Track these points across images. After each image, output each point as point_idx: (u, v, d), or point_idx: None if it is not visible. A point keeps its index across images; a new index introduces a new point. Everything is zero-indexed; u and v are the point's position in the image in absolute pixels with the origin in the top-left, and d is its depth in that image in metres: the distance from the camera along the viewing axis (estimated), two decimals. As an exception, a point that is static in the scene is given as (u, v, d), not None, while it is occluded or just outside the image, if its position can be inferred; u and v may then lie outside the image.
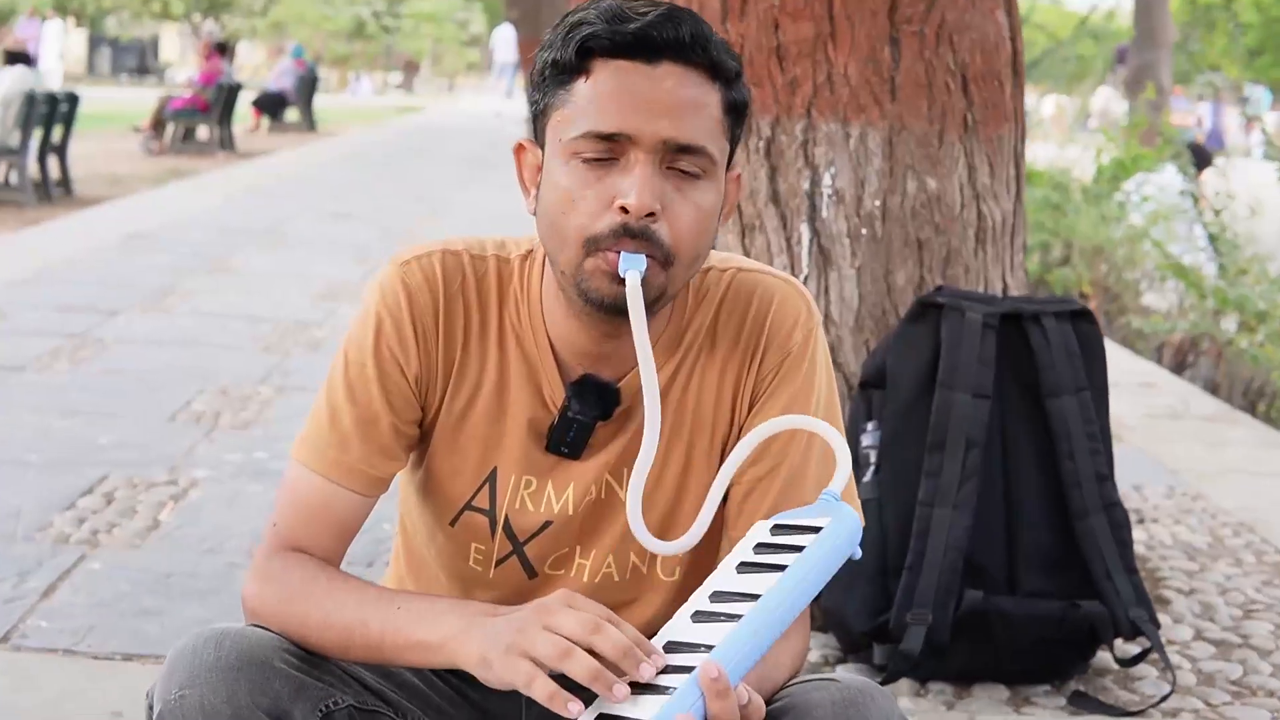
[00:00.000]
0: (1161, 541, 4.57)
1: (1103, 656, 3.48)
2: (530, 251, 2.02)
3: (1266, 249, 8.14)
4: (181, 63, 52.93)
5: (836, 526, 1.70)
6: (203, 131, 20.41)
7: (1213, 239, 7.54)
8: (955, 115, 3.68)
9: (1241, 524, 4.83)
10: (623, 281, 1.79)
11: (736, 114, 1.89)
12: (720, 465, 2.02)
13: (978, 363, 3.39)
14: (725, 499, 2.01)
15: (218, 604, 3.56)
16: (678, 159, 1.82)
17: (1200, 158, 11.36)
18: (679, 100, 1.82)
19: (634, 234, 1.80)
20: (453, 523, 2.04)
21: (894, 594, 3.29)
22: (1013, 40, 3.83)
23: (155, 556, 3.91)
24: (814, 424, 1.78)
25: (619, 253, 1.80)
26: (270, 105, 25.58)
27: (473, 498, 2.02)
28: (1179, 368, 8.24)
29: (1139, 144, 11.67)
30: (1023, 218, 3.95)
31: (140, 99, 27.43)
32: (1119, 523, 3.44)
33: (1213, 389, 7.73)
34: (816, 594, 1.68)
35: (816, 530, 1.71)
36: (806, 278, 3.62)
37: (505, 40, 39.40)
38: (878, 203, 3.63)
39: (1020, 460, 3.43)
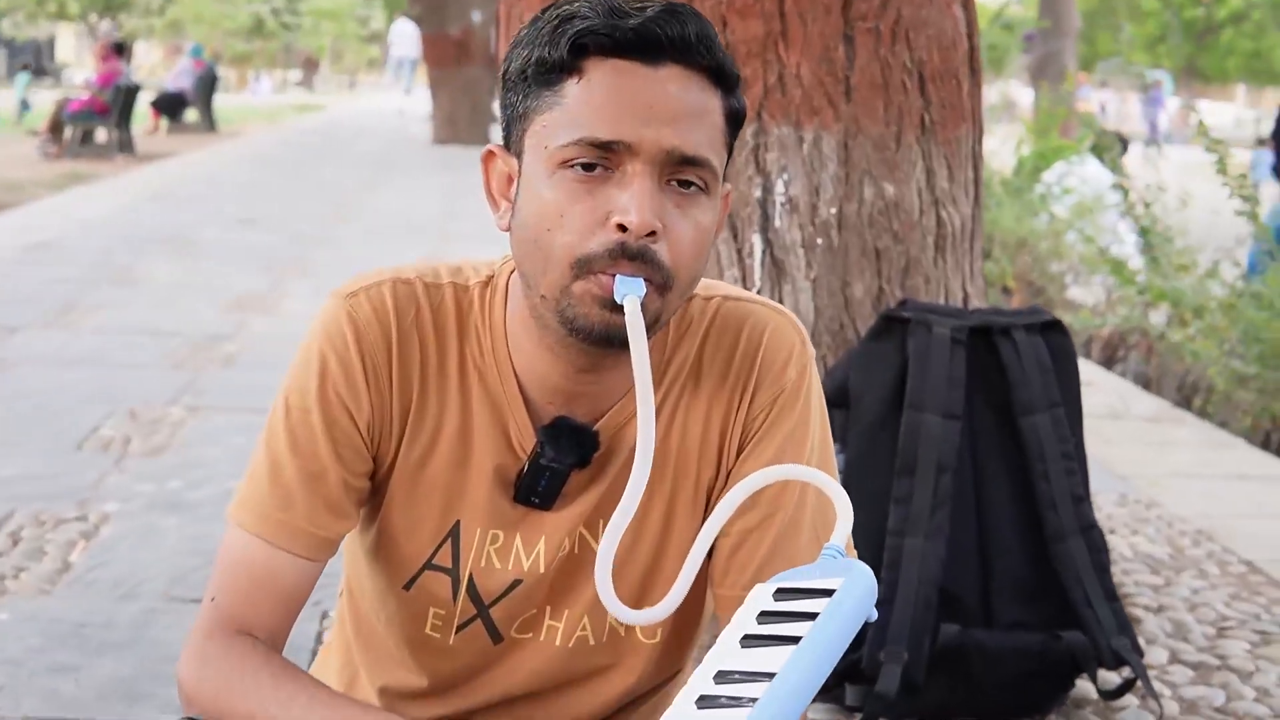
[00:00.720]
0: (1122, 554, 4.40)
1: (1083, 686, 3.30)
2: (490, 278, 1.79)
3: (1196, 240, 8.00)
4: (78, 63, 52.04)
5: (851, 587, 1.47)
6: (101, 134, 19.93)
7: (1144, 232, 7.39)
8: (912, 116, 3.48)
9: (1200, 532, 4.68)
10: (616, 307, 1.57)
11: (735, 124, 1.67)
12: (705, 516, 1.81)
13: (947, 381, 3.19)
14: (711, 553, 1.81)
15: (136, 658, 3.28)
16: (679, 171, 1.60)
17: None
18: (683, 106, 1.59)
19: (632, 255, 1.57)
20: (408, 586, 1.82)
21: (865, 630, 3.09)
22: (969, 36, 3.64)
23: (67, 604, 3.62)
24: (810, 474, 1.54)
25: (614, 275, 1.57)
26: (169, 106, 25.08)
27: (433, 555, 1.80)
28: (1108, 363, 8.13)
29: (1058, 135, 11.57)
30: (980, 222, 3.76)
31: (37, 101, 26.85)
32: (1097, 546, 3.26)
33: (1144, 384, 7.61)
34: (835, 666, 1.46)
35: (828, 593, 1.48)
36: (759, 290, 3.40)
37: (403, 35, 39.00)
38: (833, 210, 3.43)
39: (992, 483, 3.24)
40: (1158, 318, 7.77)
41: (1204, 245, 8.06)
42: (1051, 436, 3.24)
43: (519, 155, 1.66)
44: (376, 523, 1.81)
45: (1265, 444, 6.39)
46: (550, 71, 1.61)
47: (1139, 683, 3.16)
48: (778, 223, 3.42)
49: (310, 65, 56.88)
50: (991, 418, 3.25)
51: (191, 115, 25.63)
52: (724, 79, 1.64)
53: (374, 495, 1.80)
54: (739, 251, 3.44)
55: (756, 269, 3.43)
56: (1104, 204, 9.39)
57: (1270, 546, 4.54)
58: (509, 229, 1.68)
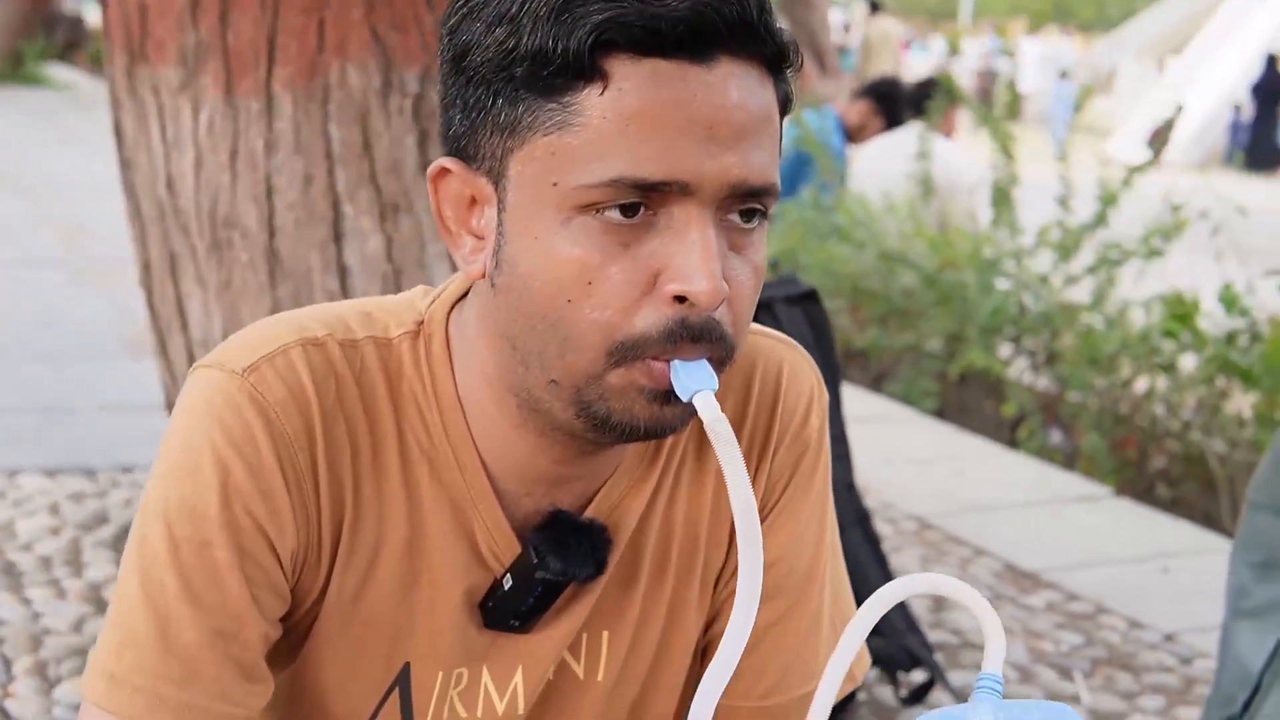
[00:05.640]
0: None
1: (880, 691, 2.99)
2: (419, 325, 1.29)
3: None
4: None
5: None
6: None
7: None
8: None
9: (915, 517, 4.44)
10: (666, 399, 1.14)
11: (785, 112, 1.21)
12: (711, 610, 1.41)
13: (707, 362, 2.84)
14: (702, 654, 1.43)
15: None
16: (741, 203, 1.15)
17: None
18: (747, 118, 1.13)
19: (696, 334, 1.13)
20: None
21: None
22: None
23: None
24: (961, 590, 1.05)
25: (668, 361, 1.13)
26: None
27: (377, 711, 1.32)
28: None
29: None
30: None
31: None
32: (874, 538, 3.00)
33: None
34: None
35: None
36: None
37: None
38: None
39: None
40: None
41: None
42: (819, 418, 2.93)
43: (496, 179, 1.16)
44: (290, 671, 1.32)
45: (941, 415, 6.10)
46: (557, 74, 1.11)
47: (939, 684, 2.89)
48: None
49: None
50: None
51: None
52: (782, 62, 1.18)
53: (286, 636, 1.29)
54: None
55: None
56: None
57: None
58: (484, 276, 1.19)
